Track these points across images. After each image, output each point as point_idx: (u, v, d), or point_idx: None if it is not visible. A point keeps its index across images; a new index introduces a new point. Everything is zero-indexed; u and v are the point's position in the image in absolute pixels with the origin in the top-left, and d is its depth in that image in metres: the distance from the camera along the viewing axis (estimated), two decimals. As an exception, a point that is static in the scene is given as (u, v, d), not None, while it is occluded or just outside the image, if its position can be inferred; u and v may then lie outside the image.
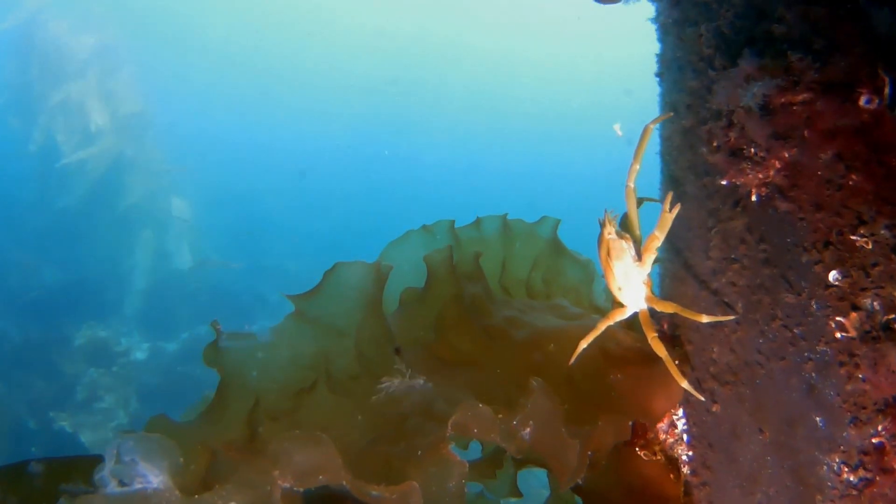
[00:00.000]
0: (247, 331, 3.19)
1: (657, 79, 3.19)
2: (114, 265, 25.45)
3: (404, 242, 3.70)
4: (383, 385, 2.80)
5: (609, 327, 2.79)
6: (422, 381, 2.82)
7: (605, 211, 2.74)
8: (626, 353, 3.03)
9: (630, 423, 2.94)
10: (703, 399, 2.72)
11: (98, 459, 3.01)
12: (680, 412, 3.00)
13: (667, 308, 2.66)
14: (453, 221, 3.78)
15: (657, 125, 2.87)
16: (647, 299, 2.72)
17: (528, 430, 2.67)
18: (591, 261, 4.04)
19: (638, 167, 2.76)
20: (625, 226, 2.87)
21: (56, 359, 19.68)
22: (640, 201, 2.92)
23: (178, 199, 28.29)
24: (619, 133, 2.76)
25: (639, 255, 2.71)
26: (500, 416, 2.62)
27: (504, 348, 3.05)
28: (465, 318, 3.10)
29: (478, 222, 3.90)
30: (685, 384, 2.63)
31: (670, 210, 2.53)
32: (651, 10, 3.16)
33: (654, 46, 3.14)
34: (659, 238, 2.56)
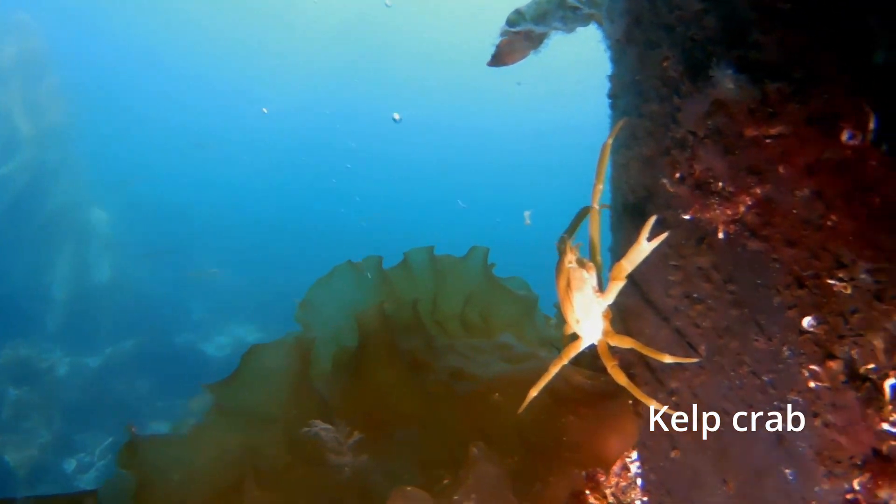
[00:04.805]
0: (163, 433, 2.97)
1: (609, 101, 3.04)
2: (34, 279, 24.61)
3: (330, 282, 3.53)
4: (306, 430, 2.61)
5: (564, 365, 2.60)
6: (352, 457, 2.63)
7: (565, 237, 2.54)
8: (577, 393, 2.85)
9: (584, 473, 2.75)
10: (681, 414, 2.52)
11: (85, 495, 2.86)
12: (633, 455, 2.83)
13: (625, 343, 2.47)
14: (381, 258, 3.63)
15: (609, 152, 2.71)
16: (606, 333, 2.52)
17: (470, 504, 2.48)
18: (529, 289, 3.89)
19: (601, 187, 2.58)
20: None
21: (-23, 379, 19.02)
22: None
23: (100, 211, 27.49)
24: (528, 221, 2.59)
25: (600, 284, 2.52)
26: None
27: (448, 405, 2.88)
28: (405, 380, 2.94)
29: (405, 258, 3.73)
30: (654, 404, 2.43)
31: (650, 239, 2.29)
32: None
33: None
34: (627, 269, 2.35)
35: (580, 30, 3.99)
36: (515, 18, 4.13)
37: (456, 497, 2.40)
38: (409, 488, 2.36)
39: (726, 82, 2.05)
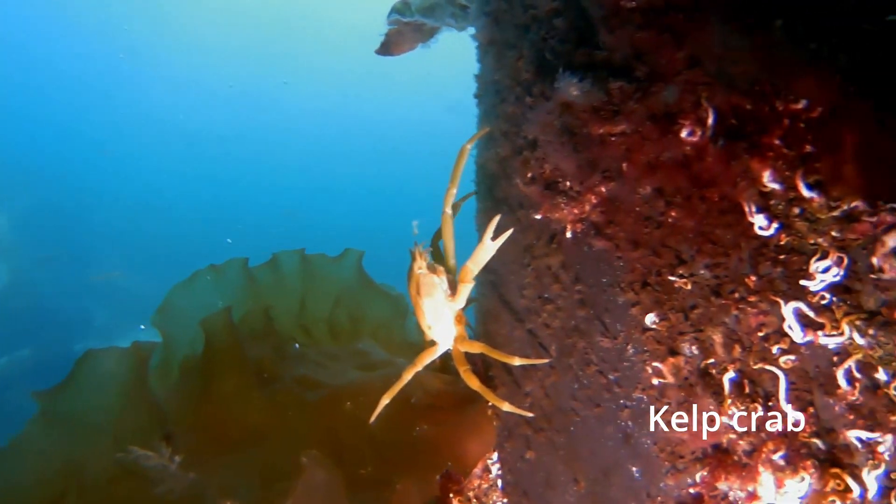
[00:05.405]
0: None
1: (475, 101, 2.97)
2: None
3: (191, 286, 3.27)
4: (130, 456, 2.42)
5: (417, 372, 2.49)
6: (178, 462, 2.45)
7: (416, 243, 2.45)
8: (433, 399, 2.76)
9: (437, 477, 2.66)
10: (530, 415, 2.44)
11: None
12: (494, 456, 2.76)
13: (474, 348, 2.41)
14: (246, 260, 3.41)
15: (473, 151, 2.64)
16: (457, 338, 2.45)
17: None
18: (401, 294, 3.77)
19: (455, 191, 2.50)
20: (438, 255, 2.60)
21: None
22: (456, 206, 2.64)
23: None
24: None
25: (452, 289, 2.44)
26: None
27: (297, 415, 2.71)
28: (251, 390, 2.74)
29: (274, 259, 3.54)
30: (507, 406, 2.36)
31: (494, 239, 2.23)
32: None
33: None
34: (473, 270, 2.28)
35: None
36: (401, 8, 4.02)
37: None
38: (228, 503, 2.22)
39: (570, 91, 2.01)
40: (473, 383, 2.39)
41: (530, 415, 2.41)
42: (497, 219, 2.19)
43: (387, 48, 4.28)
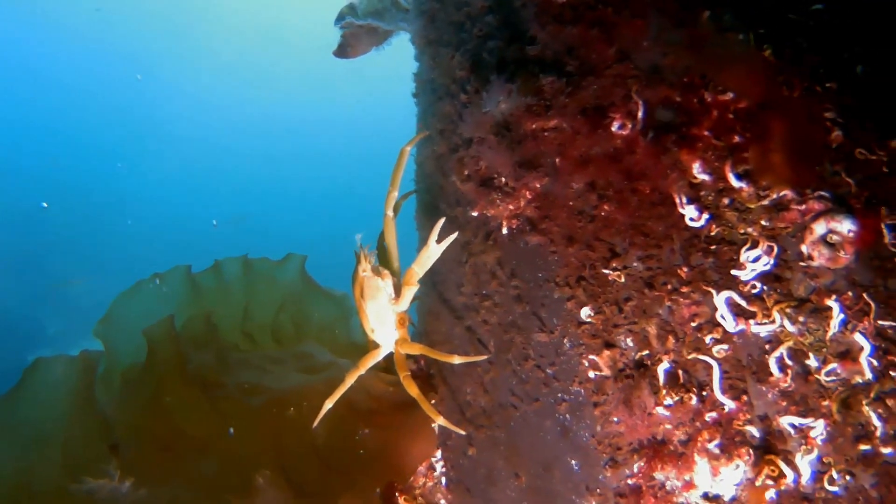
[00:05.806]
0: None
1: (415, 100, 2.92)
2: None
3: (134, 296, 3.14)
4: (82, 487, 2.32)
5: (361, 375, 2.43)
6: (128, 486, 2.36)
7: (361, 246, 2.38)
8: (376, 403, 2.69)
9: (377, 490, 2.60)
10: (463, 433, 2.38)
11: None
12: (438, 454, 2.70)
13: (415, 350, 2.34)
14: (189, 267, 3.29)
15: (414, 149, 2.59)
16: (399, 341, 2.39)
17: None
18: (346, 294, 3.69)
19: (396, 193, 2.43)
20: (383, 257, 2.54)
21: None
22: (397, 205, 2.57)
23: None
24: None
25: (396, 292, 2.38)
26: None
27: (240, 423, 2.61)
28: (194, 398, 2.63)
29: (217, 265, 3.43)
30: (441, 420, 2.31)
31: (439, 242, 2.17)
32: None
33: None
34: (418, 273, 2.22)
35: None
36: (346, 11, 3.95)
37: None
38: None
39: (500, 108, 1.98)
40: (412, 390, 2.32)
41: (462, 432, 2.36)
42: (441, 222, 2.14)
43: (344, 50, 4.21)
